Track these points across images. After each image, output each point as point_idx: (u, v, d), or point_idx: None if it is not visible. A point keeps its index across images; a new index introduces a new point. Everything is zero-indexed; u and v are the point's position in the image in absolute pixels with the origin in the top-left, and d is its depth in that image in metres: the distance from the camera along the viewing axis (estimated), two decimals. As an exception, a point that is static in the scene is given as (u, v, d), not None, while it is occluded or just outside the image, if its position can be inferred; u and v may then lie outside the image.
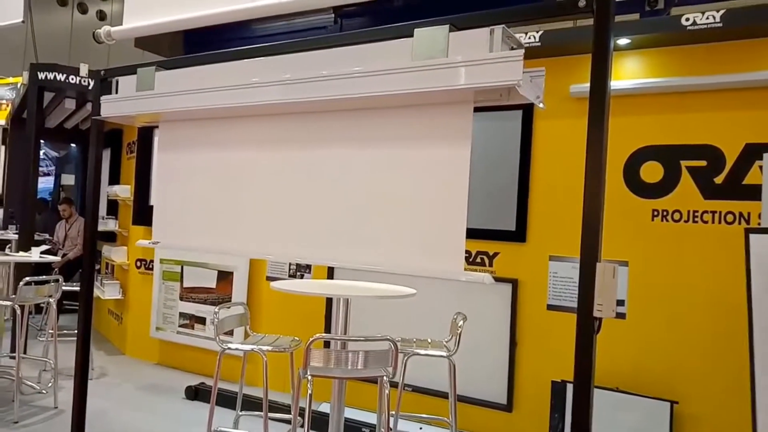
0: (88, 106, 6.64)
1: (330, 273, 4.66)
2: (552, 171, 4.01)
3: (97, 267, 7.23)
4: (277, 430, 3.92)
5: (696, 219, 3.59)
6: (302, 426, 2.77)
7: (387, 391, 2.69)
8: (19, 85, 7.88)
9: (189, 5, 2.96)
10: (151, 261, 5.93)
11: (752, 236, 2.84)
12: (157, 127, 3.14)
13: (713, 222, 3.54)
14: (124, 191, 6.36)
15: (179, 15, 3.00)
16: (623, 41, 3.68)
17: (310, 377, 2.58)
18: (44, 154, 11.61)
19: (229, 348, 3.22)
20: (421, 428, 4.00)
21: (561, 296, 3.92)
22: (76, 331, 3.27)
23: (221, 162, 2.76)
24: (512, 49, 1.95)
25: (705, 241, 3.55)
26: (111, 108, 3.00)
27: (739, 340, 3.13)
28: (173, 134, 2.95)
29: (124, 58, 3.58)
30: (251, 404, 4.07)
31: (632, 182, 3.77)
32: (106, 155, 7.14)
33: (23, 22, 6.22)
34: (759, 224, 3.28)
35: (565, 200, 3.91)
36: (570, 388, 3.69)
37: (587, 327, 1.76)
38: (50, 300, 4.49)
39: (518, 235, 4.10)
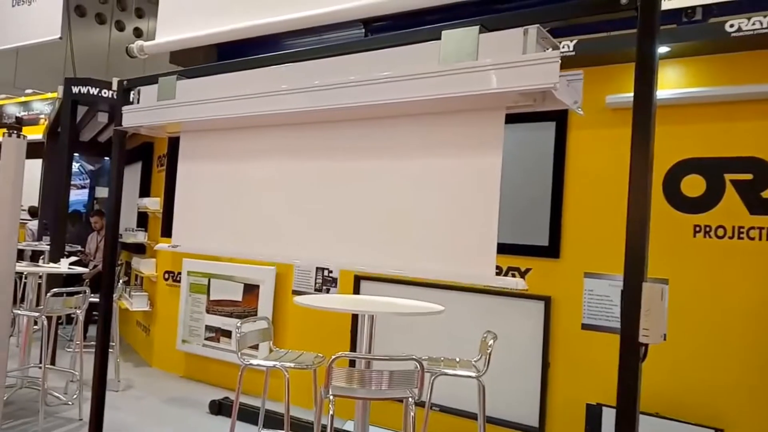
0: (120, 119, 6.71)
1: (356, 287, 4.56)
2: (587, 183, 3.86)
3: (126, 278, 7.28)
4: (300, 448, 3.83)
5: (741, 235, 3.40)
6: (324, 446, 2.67)
7: (412, 413, 2.57)
8: (55, 100, 8.05)
9: (219, 20, 2.93)
10: (179, 273, 5.92)
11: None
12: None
13: (760, 239, 3.35)
14: (153, 204, 6.38)
15: (209, 29, 2.98)
16: (663, 49, 3.53)
17: (332, 397, 2.48)
18: (79, 167, 11.84)
19: (250, 364, 3.14)
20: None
21: (597, 315, 3.75)
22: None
23: (240, 171, 2.70)
24: (547, 50, 1.83)
25: (750, 259, 3.36)
26: (132, 118, 2.97)
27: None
28: (194, 143, 2.91)
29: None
30: (274, 420, 3.97)
31: (673, 197, 3.60)
32: (137, 168, 7.21)
33: (61, 38, 6.34)
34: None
35: (600, 214, 3.75)
36: (606, 411, 3.52)
37: (632, 354, 1.61)
38: (77, 311, 4.49)
39: (551, 250, 3.95)
